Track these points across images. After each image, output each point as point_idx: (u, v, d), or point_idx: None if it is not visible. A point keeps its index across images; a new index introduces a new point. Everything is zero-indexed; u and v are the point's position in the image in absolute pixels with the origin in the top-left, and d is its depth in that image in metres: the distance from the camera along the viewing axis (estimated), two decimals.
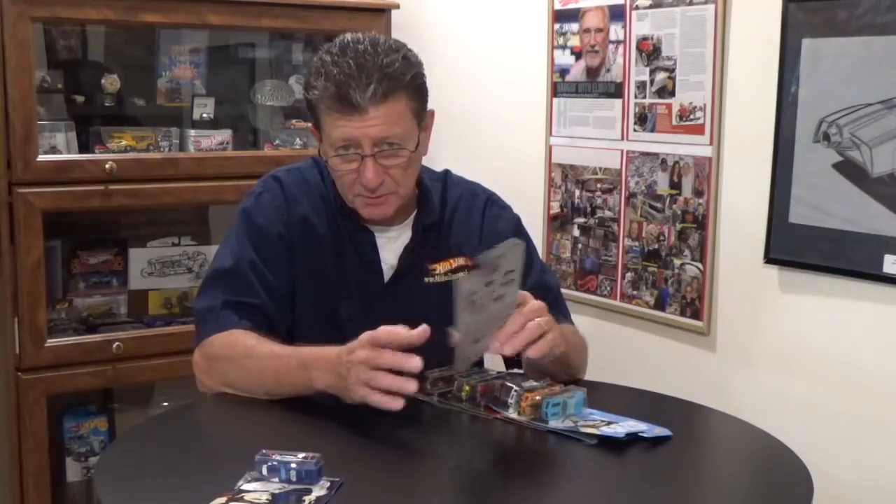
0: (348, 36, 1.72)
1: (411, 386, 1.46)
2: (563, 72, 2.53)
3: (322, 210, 1.81)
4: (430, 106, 1.79)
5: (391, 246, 1.82)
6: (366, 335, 1.49)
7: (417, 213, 1.84)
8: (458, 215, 1.89)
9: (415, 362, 1.46)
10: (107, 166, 2.53)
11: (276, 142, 2.94)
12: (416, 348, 1.82)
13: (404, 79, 1.68)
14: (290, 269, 1.78)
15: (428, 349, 1.82)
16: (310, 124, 1.81)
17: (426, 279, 1.83)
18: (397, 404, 1.45)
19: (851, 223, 1.89)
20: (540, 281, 1.90)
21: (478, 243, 1.87)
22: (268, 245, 1.78)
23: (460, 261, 1.85)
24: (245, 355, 1.67)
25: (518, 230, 1.93)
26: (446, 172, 1.94)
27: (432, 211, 1.85)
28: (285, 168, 1.88)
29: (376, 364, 1.47)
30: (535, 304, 1.56)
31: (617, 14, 2.35)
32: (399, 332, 1.48)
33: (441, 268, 1.84)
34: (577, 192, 2.51)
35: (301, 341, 1.66)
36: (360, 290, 1.81)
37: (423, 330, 1.48)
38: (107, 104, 2.72)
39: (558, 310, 1.90)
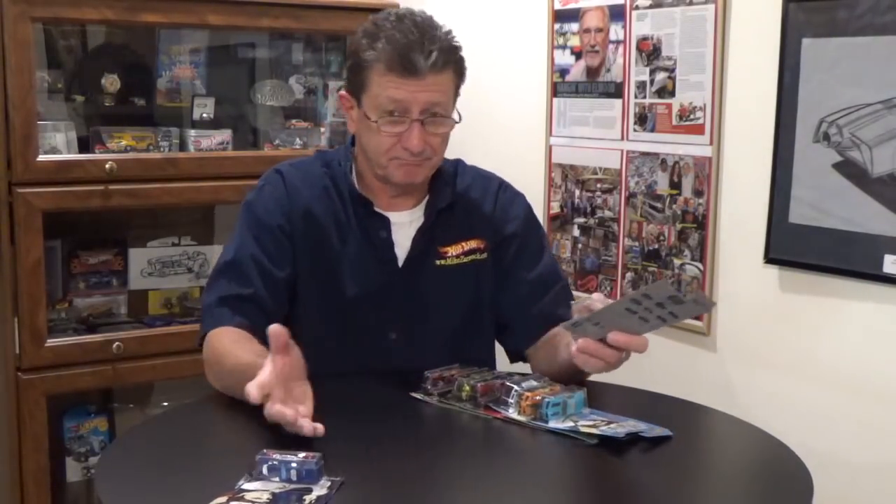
0: (401, 8, 1.78)
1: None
2: (563, 72, 2.53)
3: (325, 201, 1.84)
4: None
5: (405, 231, 1.85)
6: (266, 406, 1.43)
7: (430, 196, 1.87)
8: (470, 199, 1.91)
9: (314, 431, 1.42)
10: (107, 166, 2.53)
11: (276, 142, 2.95)
12: (431, 338, 1.84)
13: (456, 54, 1.76)
14: (291, 259, 1.82)
15: (443, 337, 1.84)
16: (340, 92, 1.84)
17: (438, 262, 1.85)
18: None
19: (851, 223, 1.89)
20: (551, 269, 1.93)
21: (490, 224, 1.90)
22: (268, 236, 1.81)
23: (472, 243, 1.88)
24: (220, 367, 1.69)
25: (529, 216, 1.95)
26: (458, 160, 1.97)
27: (445, 195, 1.87)
28: (289, 162, 1.93)
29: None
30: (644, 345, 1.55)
31: (617, 14, 2.35)
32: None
33: (453, 251, 1.86)
34: (577, 192, 2.51)
35: (307, 330, 1.64)
36: (374, 276, 1.83)
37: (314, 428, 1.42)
38: (107, 104, 2.72)
39: (568, 305, 1.91)
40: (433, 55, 1.70)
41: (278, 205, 1.83)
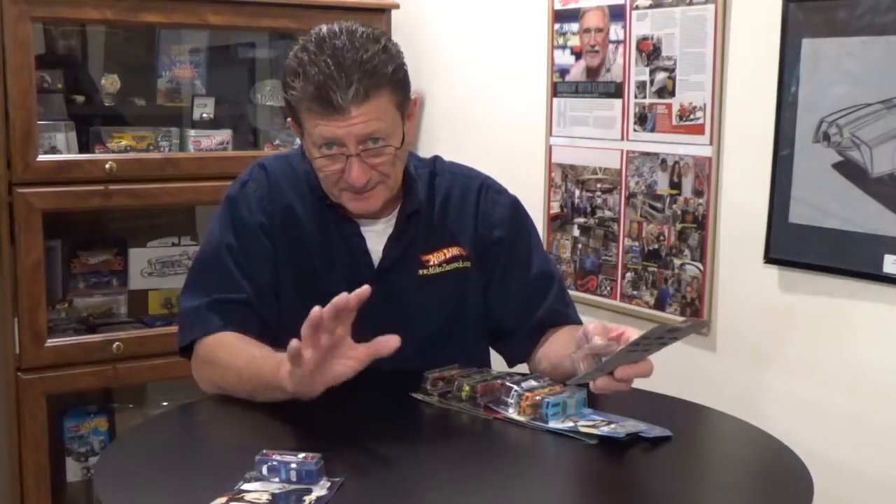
0: (324, 28, 1.65)
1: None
2: (563, 72, 2.53)
3: (308, 198, 1.79)
4: (426, 101, 1.78)
5: (379, 238, 1.79)
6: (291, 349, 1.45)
7: (402, 203, 1.81)
8: (451, 203, 1.85)
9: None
10: (107, 166, 2.53)
11: (276, 142, 2.95)
12: (410, 345, 1.82)
13: (386, 74, 1.62)
14: (272, 259, 1.77)
15: (422, 343, 1.82)
16: (289, 119, 1.76)
17: (420, 272, 1.80)
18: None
19: (851, 223, 1.89)
20: (545, 269, 1.88)
21: (473, 231, 1.84)
22: (249, 235, 1.76)
23: (454, 251, 1.82)
24: (224, 370, 1.66)
25: (516, 214, 1.89)
26: (435, 158, 1.91)
27: (415, 199, 1.81)
28: (274, 155, 1.88)
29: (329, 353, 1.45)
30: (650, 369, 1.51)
31: (617, 14, 2.35)
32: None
33: (435, 259, 1.81)
34: (577, 192, 2.51)
35: (291, 331, 1.62)
36: (349, 281, 1.78)
37: (363, 290, 1.44)
38: (107, 104, 2.73)
39: (566, 302, 1.89)
40: (352, 88, 1.57)
41: (260, 203, 1.77)
